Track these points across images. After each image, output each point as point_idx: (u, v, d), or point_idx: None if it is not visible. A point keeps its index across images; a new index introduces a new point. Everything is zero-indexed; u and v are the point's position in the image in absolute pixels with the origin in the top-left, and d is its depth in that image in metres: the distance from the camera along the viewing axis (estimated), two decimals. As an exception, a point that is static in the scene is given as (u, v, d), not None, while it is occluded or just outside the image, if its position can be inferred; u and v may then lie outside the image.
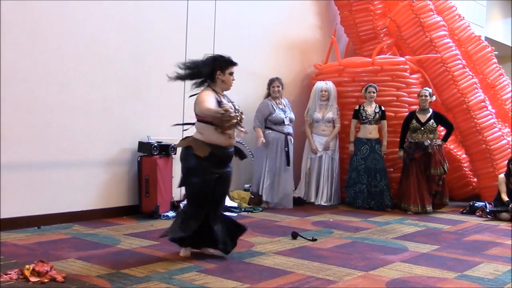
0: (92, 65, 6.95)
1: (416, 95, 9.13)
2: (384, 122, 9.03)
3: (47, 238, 5.89)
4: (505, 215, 8.37)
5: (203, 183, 5.15)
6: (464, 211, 8.99)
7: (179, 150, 5.48)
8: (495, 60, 10.89)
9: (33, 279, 4.31)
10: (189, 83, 7.90)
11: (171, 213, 7.42)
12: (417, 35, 9.90)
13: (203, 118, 5.14)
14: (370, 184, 8.91)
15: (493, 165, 9.55)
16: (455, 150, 9.95)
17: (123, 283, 4.40)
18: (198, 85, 5.29)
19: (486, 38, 14.31)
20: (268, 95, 8.81)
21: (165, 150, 7.45)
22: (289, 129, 8.75)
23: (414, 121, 8.79)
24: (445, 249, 6.20)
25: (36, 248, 5.41)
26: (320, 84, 9.34)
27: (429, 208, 8.73)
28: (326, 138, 9.17)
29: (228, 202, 8.09)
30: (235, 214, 7.71)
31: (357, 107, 9.08)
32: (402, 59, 9.68)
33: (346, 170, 9.26)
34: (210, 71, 5.20)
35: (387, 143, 9.06)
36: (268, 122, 8.62)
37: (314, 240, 6.33)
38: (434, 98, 9.10)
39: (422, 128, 8.75)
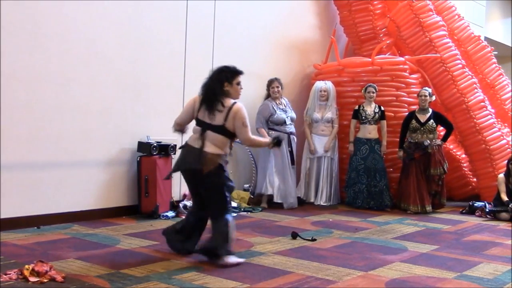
0: (92, 65, 6.94)
1: (415, 95, 9.13)
2: (384, 122, 9.03)
3: (46, 238, 5.89)
4: (504, 215, 8.37)
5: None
6: (463, 211, 8.99)
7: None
8: (494, 60, 10.89)
9: (32, 279, 4.31)
10: (189, 83, 7.98)
11: (170, 213, 7.42)
12: (416, 35, 9.90)
13: (232, 132, 5.16)
14: (370, 184, 8.91)
15: (492, 165, 9.55)
16: (454, 150, 9.95)
17: (123, 283, 4.40)
18: (216, 101, 5.14)
19: (486, 38, 14.32)
20: (268, 96, 8.82)
21: (165, 150, 7.45)
22: (291, 128, 8.77)
23: (413, 121, 8.80)
24: (444, 249, 6.21)
25: (35, 248, 5.41)
26: (319, 84, 9.34)
27: (428, 208, 8.73)
28: (326, 138, 9.17)
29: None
30: (235, 214, 7.70)
31: (356, 107, 9.08)
32: (402, 59, 9.68)
33: (346, 170, 9.25)
34: (220, 84, 5.16)
35: (386, 143, 9.06)
36: (270, 123, 8.64)
37: (313, 240, 6.33)
38: (433, 98, 9.10)
39: (422, 128, 8.75)
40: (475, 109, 9.64)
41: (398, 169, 9.18)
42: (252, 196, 8.70)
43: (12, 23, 6.12)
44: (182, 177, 7.93)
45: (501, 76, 10.85)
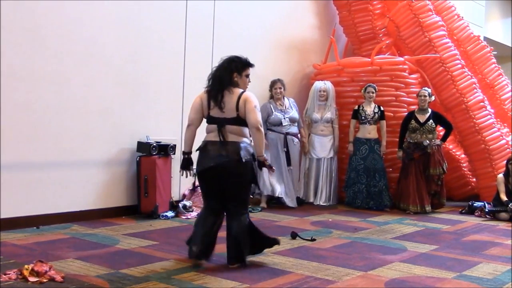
0: (91, 65, 6.94)
1: (415, 95, 9.13)
2: (383, 122, 9.03)
3: (46, 238, 5.89)
4: (504, 215, 8.37)
5: None
6: (463, 211, 8.99)
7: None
8: (494, 60, 10.89)
9: (32, 279, 4.31)
10: (189, 83, 7.98)
11: (170, 213, 7.42)
12: (416, 35, 9.90)
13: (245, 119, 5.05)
14: (369, 184, 8.92)
15: (492, 165, 9.55)
16: (454, 150, 9.95)
17: (122, 283, 4.40)
18: (222, 91, 5.03)
19: (485, 38, 14.31)
20: (272, 97, 8.85)
21: (164, 150, 7.45)
22: (289, 129, 8.73)
23: (413, 121, 8.80)
24: (444, 249, 6.21)
25: (35, 248, 5.41)
26: (318, 84, 9.34)
27: (428, 208, 8.73)
28: (325, 138, 9.18)
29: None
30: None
31: (356, 107, 9.08)
32: (401, 59, 9.68)
33: (345, 170, 9.25)
34: (229, 73, 5.04)
35: (386, 143, 9.06)
36: (268, 124, 8.65)
37: (313, 240, 6.33)
38: (433, 98, 9.10)
39: (421, 128, 8.75)
40: (474, 109, 9.64)
41: (398, 169, 9.18)
42: (251, 196, 8.69)
43: (11, 23, 6.12)
44: (180, 177, 8.03)
45: (501, 76, 10.86)
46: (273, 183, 8.60)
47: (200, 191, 7.80)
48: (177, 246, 5.77)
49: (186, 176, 5.38)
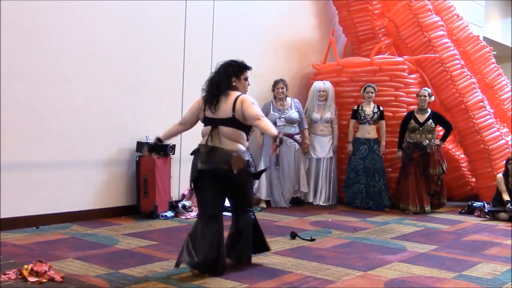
0: (91, 65, 6.94)
1: (414, 95, 9.14)
2: (383, 122, 9.03)
3: (45, 238, 5.89)
4: (503, 215, 8.37)
5: None
6: (462, 211, 8.99)
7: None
8: (493, 60, 10.90)
9: (31, 279, 4.31)
10: (188, 83, 7.98)
11: (169, 213, 7.42)
12: (415, 35, 9.90)
13: (244, 123, 4.88)
14: (369, 184, 8.92)
15: (491, 165, 9.55)
16: (453, 150, 9.95)
17: (122, 283, 4.39)
18: (219, 96, 4.87)
19: (485, 38, 14.32)
20: (275, 97, 8.86)
21: (164, 150, 7.44)
22: (283, 129, 8.63)
23: (412, 121, 8.80)
24: (443, 249, 6.21)
25: (34, 248, 5.41)
26: (318, 84, 9.34)
27: (427, 208, 8.73)
28: (325, 138, 9.18)
29: (226, 202, 8.07)
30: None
31: (355, 107, 9.08)
32: (401, 59, 9.68)
33: (345, 170, 9.25)
34: (227, 78, 4.90)
35: (385, 143, 9.06)
36: None
37: (312, 240, 6.33)
38: (433, 98, 9.11)
39: (421, 128, 8.75)
40: (474, 109, 9.64)
41: (397, 169, 9.18)
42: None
43: (11, 23, 6.12)
44: (180, 177, 8.05)
45: (500, 76, 10.86)
46: (261, 186, 8.63)
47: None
48: (177, 246, 5.75)
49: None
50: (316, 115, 9.17)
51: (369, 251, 5.96)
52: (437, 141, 8.83)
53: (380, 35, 10.30)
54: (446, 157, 9.19)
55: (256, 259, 5.29)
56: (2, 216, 6.08)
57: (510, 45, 17.76)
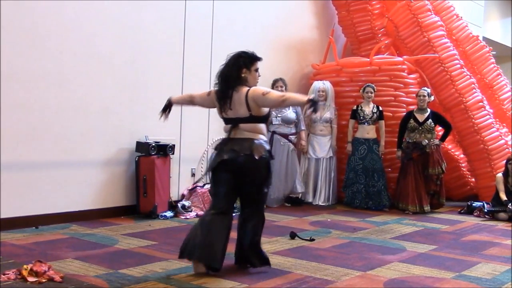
0: (90, 65, 6.94)
1: (414, 95, 9.14)
2: (382, 122, 9.03)
3: (45, 238, 5.89)
4: (503, 215, 8.38)
5: None
6: (462, 211, 9.00)
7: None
8: (493, 60, 10.90)
9: (31, 279, 4.31)
10: (187, 82, 7.98)
11: (169, 213, 7.42)
12: (415, 35, 9.90)
13: (263, 115, 4.88)
14: (368, 184, 8.92)
15: (491, 165, 9.55)
16: (453, 150, 9.96)
17: (121, 283, 4.39)
18: (229, 90, 4.82)
19: (484, 38, 14.32)
20: None
21: (163, 150, 7.45)
22: (278, 128, 8.70)
23: (412, 121, 8.80)
24: (443, 249, 6.21)
25: (34, 248, 5.41)
26: (317, 84, 9.35)
27: (427, 208, 8.73)
28: (324, 138, 9.19)
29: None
30: (233, 214, 7.68)
31: (355, 107, 9.09)
32: (400, 59, 9.68)
33: (344, 170, 9.26)
34: (237, 70, 4.83)
35: (385, 143, 9.06)
36: None
37: (312, 240, 6.33)
38: (432, 98, 9.11)
39: (420, 128, 8.75)
40: (473, 109, 9.64)
41: (396, 169, 9.19)
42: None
43: (10, 22, 6.12)
44: (179, 177, 8.05)
45: (500, 76, 10.86)
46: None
47: (199, 191, 7.83)
48: (176, 246, 5.74)
49: (161, 117, 5.38)
50: (315, 115, 9.17)
51: (368, 251, 5.96)
52: (436, 141, 8.84)
53: (380, 35, 10.30)
54: (445, 157, 9.19)
55: (255, 259, 5.30)
56: (2, 216, 6.07)
57: (509, 45, 17.77)
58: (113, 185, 7.28)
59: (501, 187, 8.64)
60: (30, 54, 6.34)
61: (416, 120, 8.79)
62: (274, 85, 8.80)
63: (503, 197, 8.53)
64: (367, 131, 9.00)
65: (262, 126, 4.94)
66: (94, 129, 7.02)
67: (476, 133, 9.59)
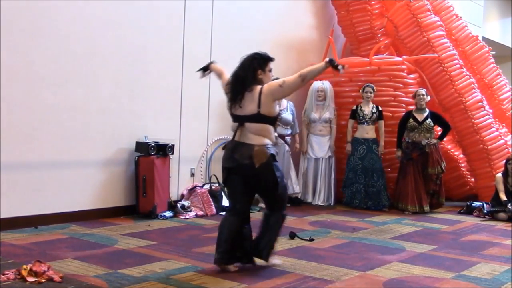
0: (89, 65, 6.94)
1: (412, 95, 9.14)
2: (382, 122, 9.03)
3: (44, 238, 5.89)
4: (502, 215, 8.38)
5: None
6: (461, 211, 9.00)
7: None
8: (492, 60, 10.90)
9: (30, 279, 4.30)
10: (187, 82, 7.98)
11: (168, 213, 7.42)
12: (414, 35, 9.90)
13: (271, 116, 4.87)
14: (367, 184, 8.92)
15: (490, 165, 9.55)
16: (452, 150, 9.96)
17: (121, 283, 4.39)
18: (242, 91, 4.84)
19: (484, 38, 14.32)
20: None
21: (163, 150, 7.45)
22: (277, 129, 8.72)
23: (411, 120, 8.80)
24: (442, 249, 6.21)
25: (33, 248, 5.41)
26: (316, 84, 9.35)
27: (426, 208, 8.73)
28: (324, 138, 9.18)
29: (225, 202, 8.09)
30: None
31: (354, 107, 9.09)
32: (400, 59, 9.68)
33: (343, 170, 9.25)
34: (253, 71, 4.85)
35: (384, 143, 9.06)
36: None
37: (311, 240, 6.33)
38: (429, 98, 9.10)
39: (420, 127, 8.75)
40: (473, 109, 9.64)
41: (396, 169, 9.18)
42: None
43: (9, 23, 6.11)
44: (178, 177, 8.05)
45: (499, 76, 10.87)
46: None
47: (198, 191, 7.84)
48: (176, 246, 5.77)
49: (200, 74, 5.52)
50: (314, 115, 9.17)
51: (368, 251, 5.96)
52: (434, 140, 8.83)
53: (379, 35, 10.30)
54: (445, 157, 9.20)
55: (254, 259, 5.29)
56: (1, 216, 6.07)
57: (509, 45, 17.78)
58: (113, 185, 7.27)
59: (501, 187, 8.64)
60: (29, 54, 6.34)
61: (415, 119, 8.78)
62: None
63: (503, 197, 8.54)
64: (367, 131, 9.00)
65: (269, 128, 4.91)
66: (94, 129, 7.02)
67: (475, 133, 9.59)
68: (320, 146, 9.19)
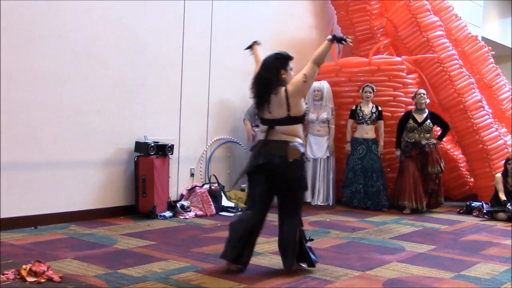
0: (89, 65, 6.94)
1: (413, 95, 9.13)
2: (381, 122, 9.03)
3: (44, 238, 5.89)
4: (502, 215, 8.38)
5: None
6: (461, 211, 9.00)
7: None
8: (492, 60, 10.90)
9: (30, 279, 4.30)
10: (186, 82, 7.98)
11: (168, 213, 7.42)
12: (414, 35, 9.91)
13: (300, 115, 4.89)
14: (367, 184, 8.92)
15: (490, 165, 9.55)
16: (451, 150, 9.96)
17: (120, 283, 4.39)
18: (269, 94, 4.84)
19: (483, 38, 14.32)
20: None
21: (162, 150, 7.45)
22: None
23: (411, 121, 8.80)
24: (442, 249, 6.21)
25: (33, 248, 5.40)
26: (314, 84, 9.32)
27: (424, 205, 8.71)
28: (321, 138, 9.17)
29: (225, 202, 8.10)
30: (232, 214, 7.70)
31: (353, 107, 9.09)
32: (399, 59, 9.68)
33: (343, 170, 9.25)
34: (276, 72, 4.86)
35: (384, 143, 9.06)
36: (256, 119, 8.66)
37: (311, 240, 6.29)
38: (428, 101, 9.08)
39: (419, 128, 8.75)
40: (472, 109, 9.65)
41: (395, 169, 9.18)
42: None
43: (9, 23, 6.11)
44: (178, 177, 8.04)
45: (499, 76, 10.87)
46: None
47: (198, 191, 7.83)
48: (175, 246, 5.77)
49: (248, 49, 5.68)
50: (312, 115, 9.16)
51: (367, 251, 5.96)
52: (433, 140, 8.83)
53: (379, 35, 10.31)
54: (444, 157, 9.20)
55: (254, 259, 5.27)
56: (1, 216, 6.07)
57: (508, 45, 17.79)
58: (112, 185, 7.27)
59: (500, 187, 8.64)
60: (29, 54, 6.34)
61: (415, 120, 8.78)
62: None
63: (502, 197, 8.54)
64: (366, 131, 9.00)
65: (299, 128, 4.94)
66: (93, 129, 7.02)
67: (475, 133, 9.59)
68: (319, 146, 9.18)
